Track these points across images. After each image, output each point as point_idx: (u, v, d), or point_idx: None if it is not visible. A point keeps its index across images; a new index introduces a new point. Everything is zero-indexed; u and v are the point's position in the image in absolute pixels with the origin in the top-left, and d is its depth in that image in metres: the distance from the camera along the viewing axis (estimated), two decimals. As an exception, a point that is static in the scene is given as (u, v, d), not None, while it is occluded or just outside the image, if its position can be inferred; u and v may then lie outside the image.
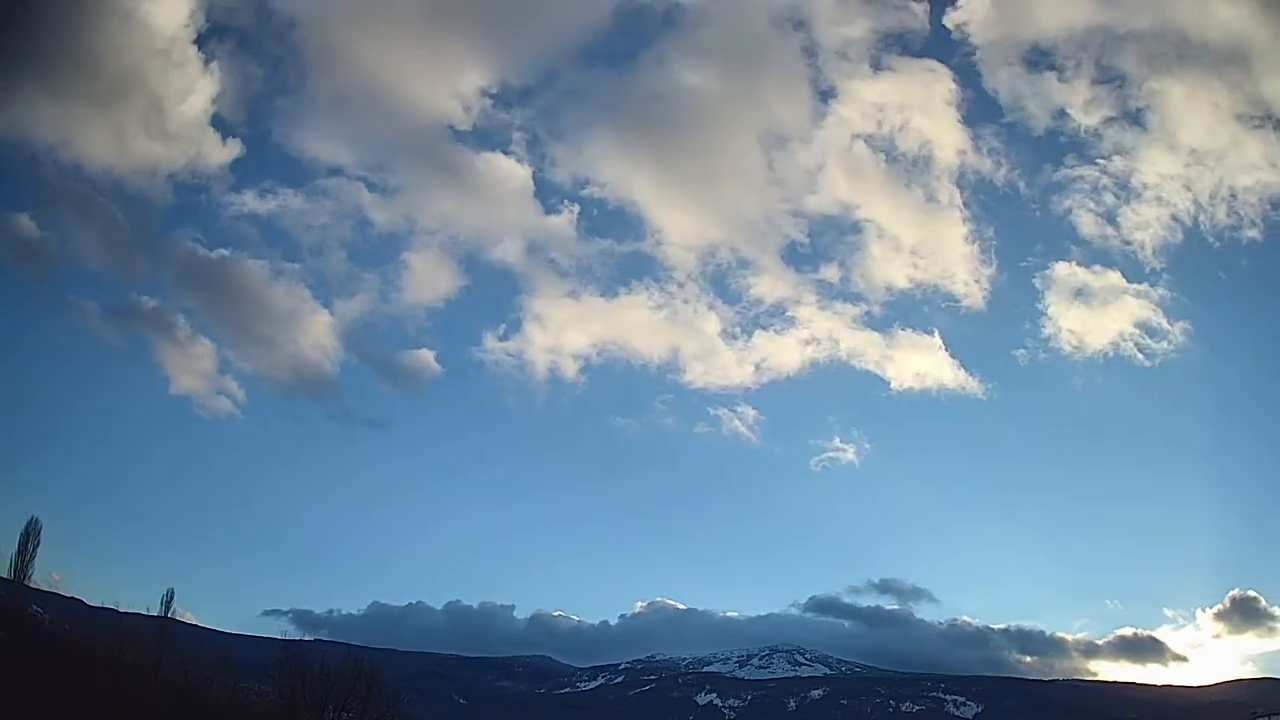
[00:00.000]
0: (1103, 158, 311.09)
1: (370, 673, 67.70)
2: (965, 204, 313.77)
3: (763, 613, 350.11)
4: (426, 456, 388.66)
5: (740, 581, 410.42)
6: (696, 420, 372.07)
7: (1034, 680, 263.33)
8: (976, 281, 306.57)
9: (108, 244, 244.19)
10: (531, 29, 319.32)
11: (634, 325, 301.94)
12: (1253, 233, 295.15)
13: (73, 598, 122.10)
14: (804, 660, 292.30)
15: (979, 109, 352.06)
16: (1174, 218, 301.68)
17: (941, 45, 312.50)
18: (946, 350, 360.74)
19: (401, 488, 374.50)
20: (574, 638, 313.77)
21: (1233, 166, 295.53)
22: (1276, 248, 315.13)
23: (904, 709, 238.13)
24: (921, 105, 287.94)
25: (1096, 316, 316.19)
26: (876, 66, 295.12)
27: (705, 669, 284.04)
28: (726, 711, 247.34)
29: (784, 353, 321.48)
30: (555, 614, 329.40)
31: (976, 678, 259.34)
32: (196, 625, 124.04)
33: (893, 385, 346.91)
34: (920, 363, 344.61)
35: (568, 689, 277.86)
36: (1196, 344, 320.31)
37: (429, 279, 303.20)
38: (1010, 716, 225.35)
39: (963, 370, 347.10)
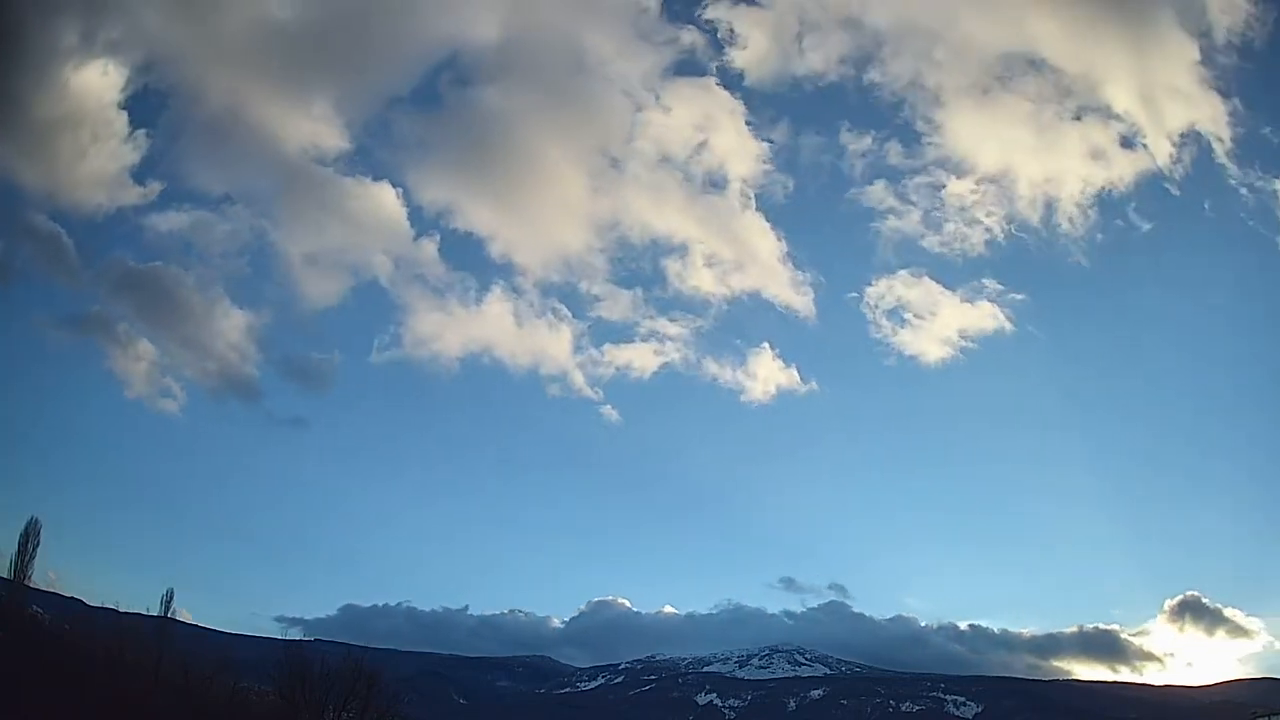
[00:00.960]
0: (915, 172, 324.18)
1: (370, 673, 67.64)
2: (773, 220, 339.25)
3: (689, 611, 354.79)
4: (353, 458, 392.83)
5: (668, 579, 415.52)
6: (579, 419, 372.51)
7: (1034, 680, 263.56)
8: (799, 293, 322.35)
9: (54, 261, 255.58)
10: (384, 70, 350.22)
11: (498, 334, 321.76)
12: (1068, 227, 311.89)
13: (73, 598, 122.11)
14: (804, 660, 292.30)
15: (770, 128, 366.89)
16: (989, 222, 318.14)
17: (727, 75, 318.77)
18: (780, 359, 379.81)
19: (332, 489, 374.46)
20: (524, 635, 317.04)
21: (1040, 169, 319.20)
22: (1091, 242, 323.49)
23: (904, 709, 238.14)
24: (718, 127, 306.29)
25: (920, 321, 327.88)
26: (662, 95, 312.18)
27: (705, 669, 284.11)
28: (726, 711, 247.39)
29: (638, 362, 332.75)
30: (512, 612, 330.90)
31: (976, 678, 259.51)
32: (196, 625, 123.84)
33: (739, 396, 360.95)
34: (759, 372, 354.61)
35: (568, 689, 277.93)
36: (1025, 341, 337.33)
37: (323, 289, 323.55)
38: (1010, 716, 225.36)
39: (797, 374, 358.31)
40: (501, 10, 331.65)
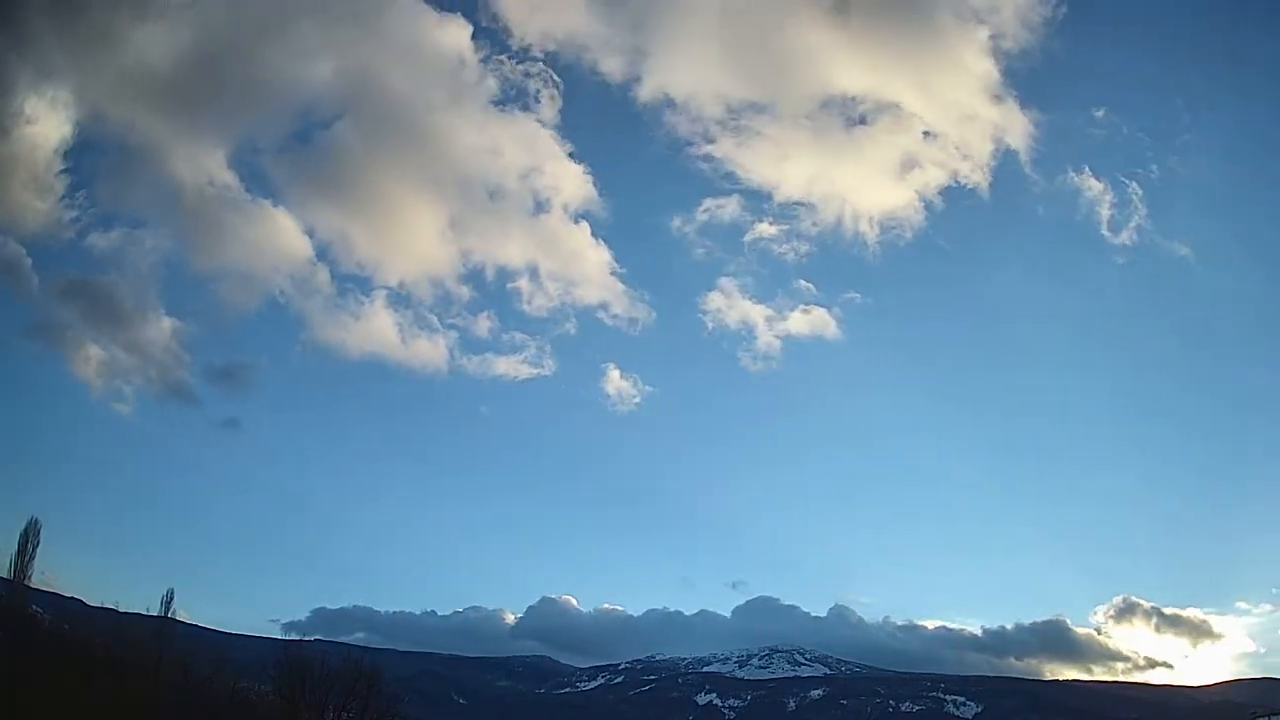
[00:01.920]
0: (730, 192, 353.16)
1: (370, 673, 67.62)
2: (606, 239, 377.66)
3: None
4: (285, 457, 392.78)
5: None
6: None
7: (1034, 680, 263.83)
8: (634, 307, 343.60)
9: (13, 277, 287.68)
10: (263, 113, 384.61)
11: (389, 344, 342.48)
12: (878, 234, 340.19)
13: (73, 598, 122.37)
14: (804, 660, 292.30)
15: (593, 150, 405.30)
16: (813, 233, 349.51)
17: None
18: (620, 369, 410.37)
19: (283, 490, 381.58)
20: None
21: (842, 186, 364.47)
22: (893, 252, 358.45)
23: (904, 709, 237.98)
24: (543, 156, 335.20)
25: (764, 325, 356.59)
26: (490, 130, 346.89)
27: (705, 669, 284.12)
28: (726, 711, 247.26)
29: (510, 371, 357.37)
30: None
31: (977, 678, 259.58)
32: (196, 625, 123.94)
33: (606, 404, 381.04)
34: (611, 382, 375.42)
35: (567, 689, 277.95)
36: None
37: (238, 299, 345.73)
38: (1010, 716, 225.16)
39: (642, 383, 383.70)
40: (343, 62, 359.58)
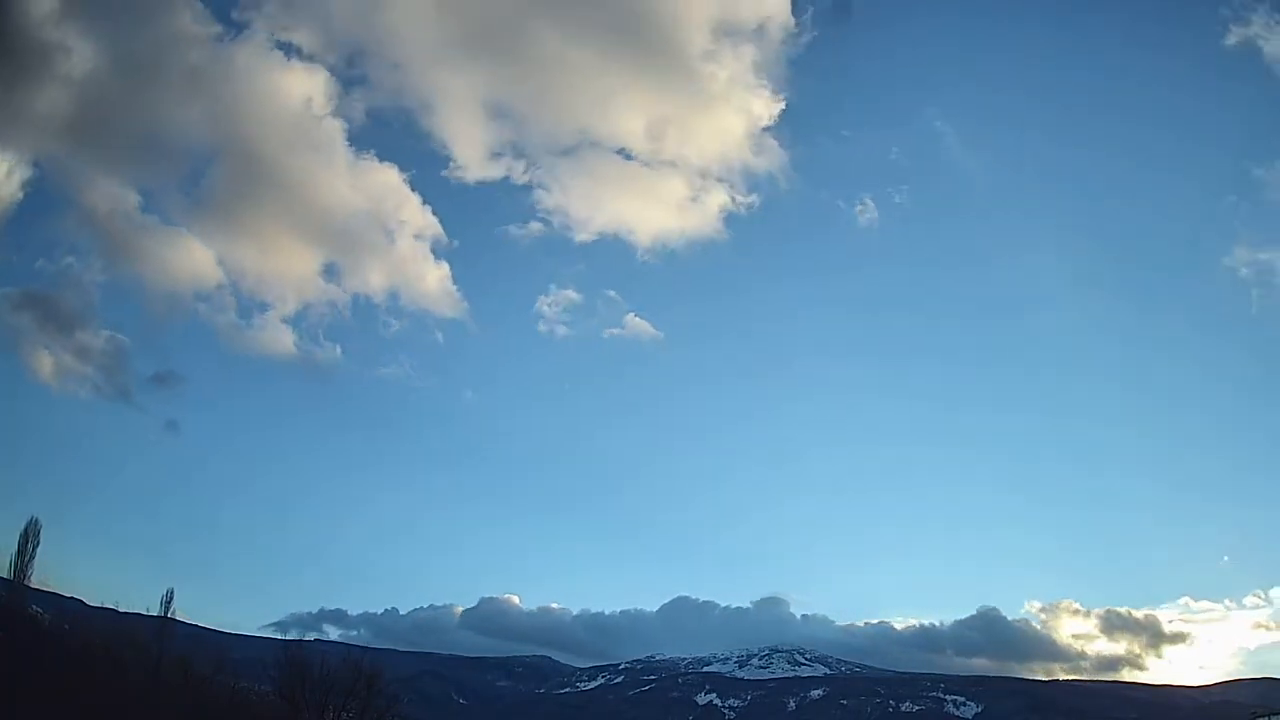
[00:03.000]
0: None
1: (370, 673, 67.77)
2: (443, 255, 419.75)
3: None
4: (221, 458, 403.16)
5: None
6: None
7: (1034, 680, 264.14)
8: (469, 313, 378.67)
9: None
10: (159, 151, 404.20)
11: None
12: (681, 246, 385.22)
13: (73, 598, 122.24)
14: (804, 660, 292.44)
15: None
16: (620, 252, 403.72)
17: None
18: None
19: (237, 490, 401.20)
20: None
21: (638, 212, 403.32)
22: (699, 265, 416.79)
23: (904, 709, 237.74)
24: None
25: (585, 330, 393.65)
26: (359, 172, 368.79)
27: (705, 669, 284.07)
28: (726, 711, 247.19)
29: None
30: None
31: (977, 677, 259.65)
32: (196, 625, 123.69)
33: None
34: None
35: (568, 689, 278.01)
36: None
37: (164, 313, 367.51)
38: (1010, 716, 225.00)
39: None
40: (211, 108, 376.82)
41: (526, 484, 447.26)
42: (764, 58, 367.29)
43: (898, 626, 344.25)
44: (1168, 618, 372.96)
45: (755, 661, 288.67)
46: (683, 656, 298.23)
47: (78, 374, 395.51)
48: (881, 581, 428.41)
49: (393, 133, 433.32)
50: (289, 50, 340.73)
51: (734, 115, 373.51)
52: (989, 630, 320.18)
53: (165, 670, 66.24)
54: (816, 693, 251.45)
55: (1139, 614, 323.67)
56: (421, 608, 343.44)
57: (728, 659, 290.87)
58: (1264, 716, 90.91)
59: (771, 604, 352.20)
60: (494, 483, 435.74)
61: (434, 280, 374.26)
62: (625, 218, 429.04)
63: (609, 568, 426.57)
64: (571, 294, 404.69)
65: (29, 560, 73.29)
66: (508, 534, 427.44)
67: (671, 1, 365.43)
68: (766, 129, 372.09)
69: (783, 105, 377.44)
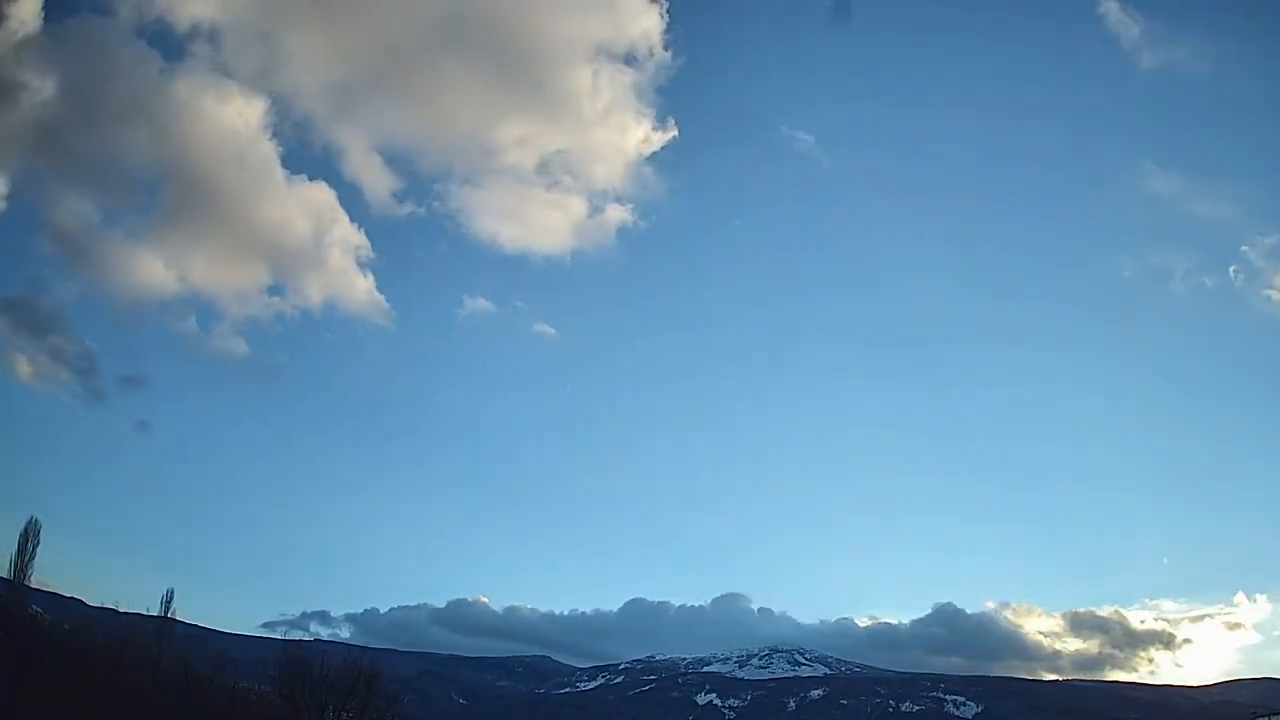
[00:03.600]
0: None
1: (370, 673, 67.68)
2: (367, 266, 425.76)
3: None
4: (193, 459, 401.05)
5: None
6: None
7: (1034, 680, 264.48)
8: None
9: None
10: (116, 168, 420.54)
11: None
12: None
13: (73, 598, 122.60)
14: (804, 660, 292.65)
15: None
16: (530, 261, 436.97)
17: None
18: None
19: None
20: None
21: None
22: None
23: (904, 709, 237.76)
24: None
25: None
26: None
27: (705, 669, 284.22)
28: (726, 711, 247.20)
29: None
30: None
31: (977, 678, 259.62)
32: (196, 625, 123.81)
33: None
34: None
35: (568, 689, 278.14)
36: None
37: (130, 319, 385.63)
38: (1010, 716, 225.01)
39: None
40: (154, 129, 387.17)
41: (489, 487, 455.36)
42: (641, 83, 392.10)
43: (861, 624, 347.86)
44: (1138, 618, 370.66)
45: (755, 661, 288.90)
46: (683, 656, 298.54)
47: (53, 376, 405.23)
48: (843, 579, 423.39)
49: (321, 157, 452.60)
50: (224, 78, 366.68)
51: (616, 138, 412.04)
52: (951, 627, 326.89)
53: (165, 670, 66.26)
54: (816, 693, 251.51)
55: (1104, 612, 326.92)
56: (399, 607, 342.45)
57: (728, 659, 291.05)
58: (1264, 716, 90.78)
59: (730, 601, 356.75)
60: (450, 483, 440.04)
61: (363, 291, 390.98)
62: (527, 235, 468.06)
63: (573, 569, 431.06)
64: (483, 303, 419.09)
65: (29, 560, 73.46)
66: (475, 533, 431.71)
67: (551, 34, 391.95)
68: (648, 153, 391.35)
69: (661, 129, 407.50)
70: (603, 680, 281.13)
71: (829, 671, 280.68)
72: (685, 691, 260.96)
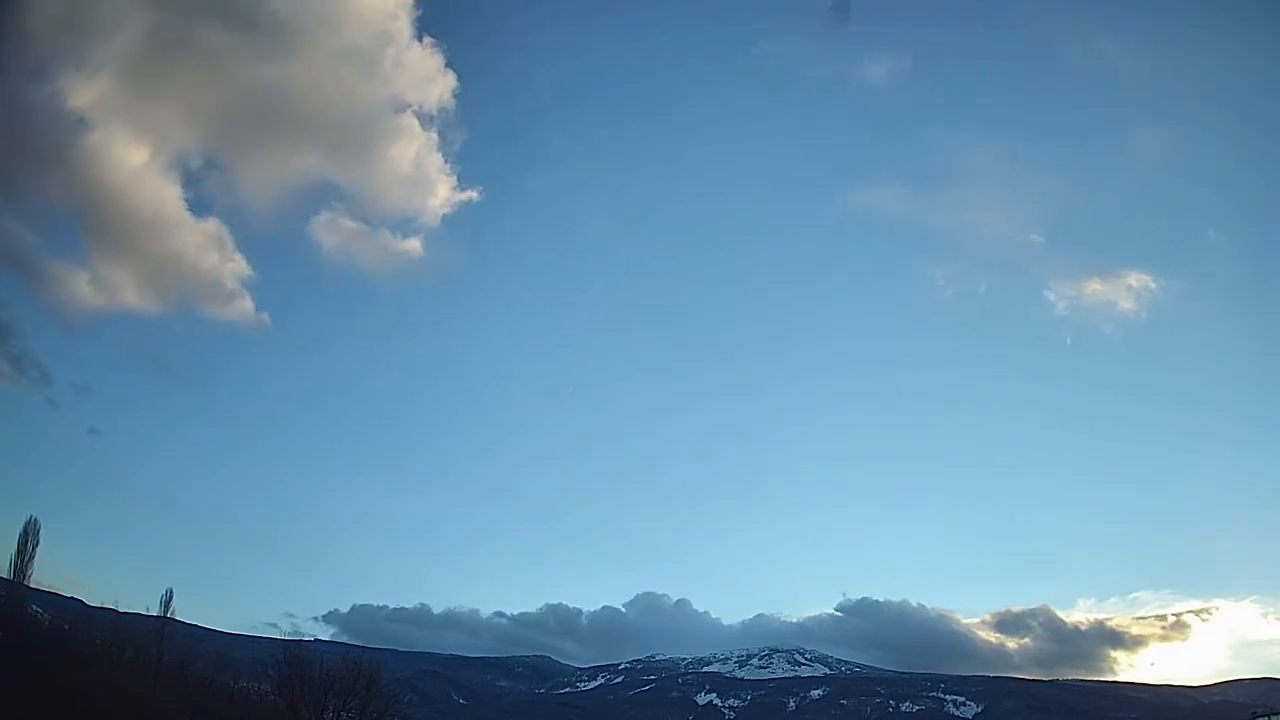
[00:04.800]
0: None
1: (370, 673, 67.66)
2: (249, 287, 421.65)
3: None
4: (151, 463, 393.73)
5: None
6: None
7: (1034, 680, 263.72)
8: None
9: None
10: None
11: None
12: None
13: (73, 598, 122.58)
14: (804, 660, 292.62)
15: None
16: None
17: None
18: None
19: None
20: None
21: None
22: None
23: (904, 709, 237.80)
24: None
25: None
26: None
27: (705, 669, 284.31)
28: (726, 711, 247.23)
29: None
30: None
31: (977, 678, 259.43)
32: (197, 625, 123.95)
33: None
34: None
35: (568, 689, 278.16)
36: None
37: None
38: (1010, 716, 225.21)
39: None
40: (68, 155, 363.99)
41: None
42: (438, 143, 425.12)
43: (789, 620, 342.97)
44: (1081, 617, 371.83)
45: (755, 661, 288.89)
46: (683, 656, 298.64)
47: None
48: (760, 578, 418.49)
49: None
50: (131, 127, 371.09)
51: (421, 193, 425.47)
52: (871, 619, 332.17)
53: (165, 670, 66.34)
54: (816, 693, 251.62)
55: (1022, 609, 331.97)
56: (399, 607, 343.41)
57: (728, 659, 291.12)
58: (1264, 716, 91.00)
59: (645, 601, 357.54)
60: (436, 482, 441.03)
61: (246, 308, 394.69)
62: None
63: (499, 572, 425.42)
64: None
65: (29, 560, 73.55)
66: (424, 536, 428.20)
67: (350, 91, 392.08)
68: (448, 210, 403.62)
69: (461, 189, 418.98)
70: (603, 680, 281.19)
71: (829, 671, 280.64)
72: (685, 691, 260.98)
